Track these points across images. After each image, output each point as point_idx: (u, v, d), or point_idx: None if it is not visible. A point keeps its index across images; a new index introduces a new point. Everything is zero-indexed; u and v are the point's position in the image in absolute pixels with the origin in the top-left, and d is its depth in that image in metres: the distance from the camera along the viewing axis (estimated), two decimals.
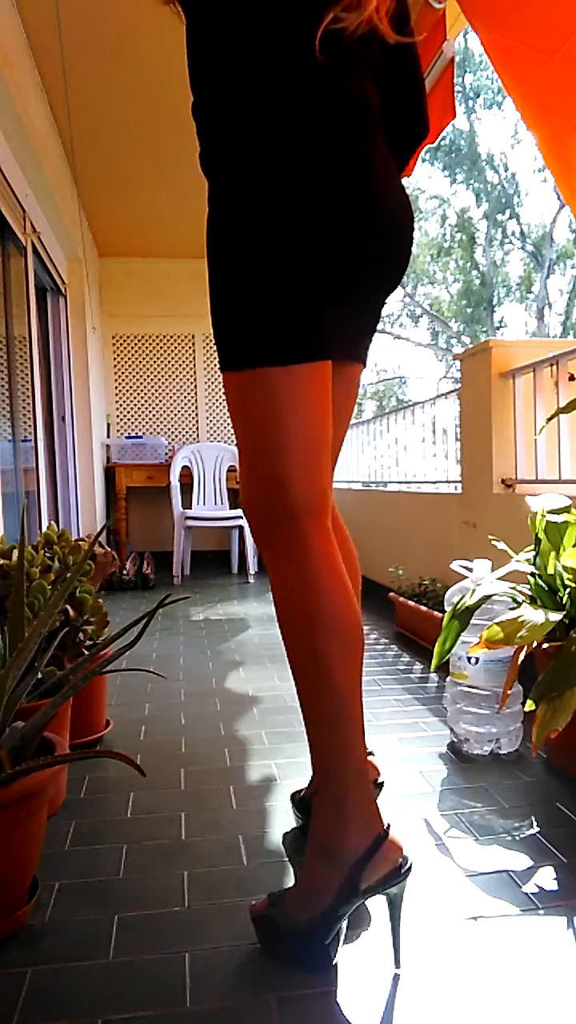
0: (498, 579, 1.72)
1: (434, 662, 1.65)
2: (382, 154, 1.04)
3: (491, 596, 1.62)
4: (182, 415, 5.52)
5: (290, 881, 1.15)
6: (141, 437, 5.11)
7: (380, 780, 1.20)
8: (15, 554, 1.54)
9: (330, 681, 0.96)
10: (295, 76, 0.99)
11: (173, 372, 5.47)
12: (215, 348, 1.05)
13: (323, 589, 0.99)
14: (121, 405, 5.45)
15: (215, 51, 1.06)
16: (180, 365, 5.47)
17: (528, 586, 1.67)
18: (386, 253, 1.07)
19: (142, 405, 5.47)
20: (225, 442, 5.28)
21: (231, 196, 1.00)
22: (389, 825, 0.97)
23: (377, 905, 1.08)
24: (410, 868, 0.96)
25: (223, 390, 1.07)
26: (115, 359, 5.41)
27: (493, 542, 1.93)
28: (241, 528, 4.65)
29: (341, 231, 0.99)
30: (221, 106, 1.05)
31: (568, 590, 1.58)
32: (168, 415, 5.50)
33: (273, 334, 0.98)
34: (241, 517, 4.48)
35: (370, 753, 1.16)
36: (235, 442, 1.12)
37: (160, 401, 5.48)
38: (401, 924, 0.96)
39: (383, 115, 1.10)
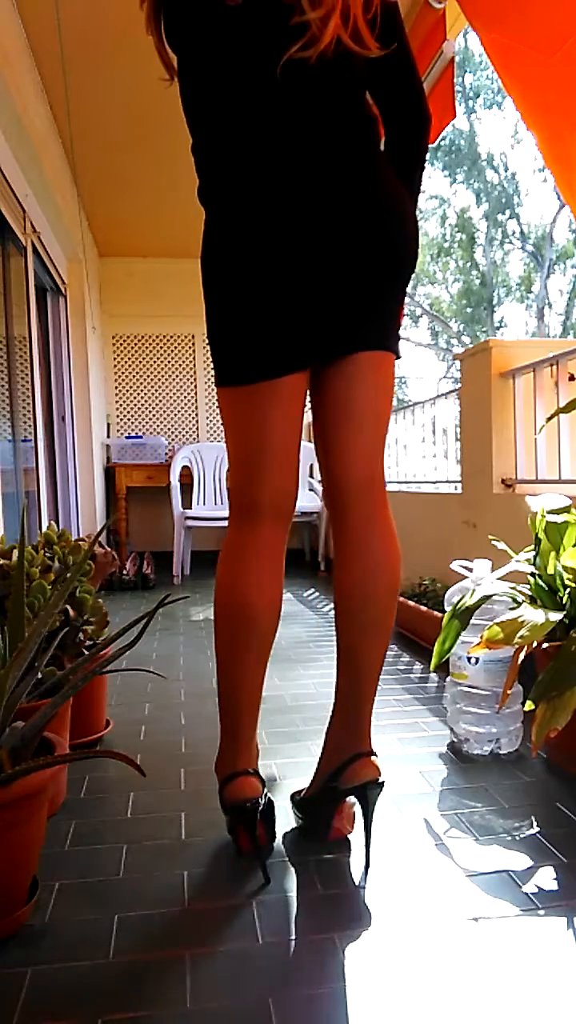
0: (498, 579, 1.72)
1: (434, 662, 1.65)
2: (344, 171, 1.11)
3: (491, 596, 1.62)
4: (182, 415, 5.52)
5: (290, 881, 1.15)
6: (141, 437, 5.11)
7: (381, 780, 1.20)
8: (15, 554, 1.54)
9: (217, 647, 1.26)
10: (244, 126, 1.13)
11: (173, 372, 5.47)
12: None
13: (220, 576, 1.23)
14: (121, 405, 5.45)
15: (188, 101, 1.22)
16: (180, 365, 5.47)
17: (528, 586, 1.67)
18: (335, 263, 1.12)
19: (142, 405, 5.47)
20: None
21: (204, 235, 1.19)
22: (252, 770, 1.25)
23: (376, 906, 1.08)
24: (258, 806, 1.19)
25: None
26: (115, 359, 5.41)
27: (493, 542, 1.93)
28: None
29: (231, 284, 1.14)
30: (194, 151, 1.24)
31: (568, 590, 1.58)
32: (168, 415, 5.50)
33: (216, 362, 1.20)
34: None
35: (372, 754, 1.23)
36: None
37: (160, 401, 5.48)
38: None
39: (385, 112, 1.21)
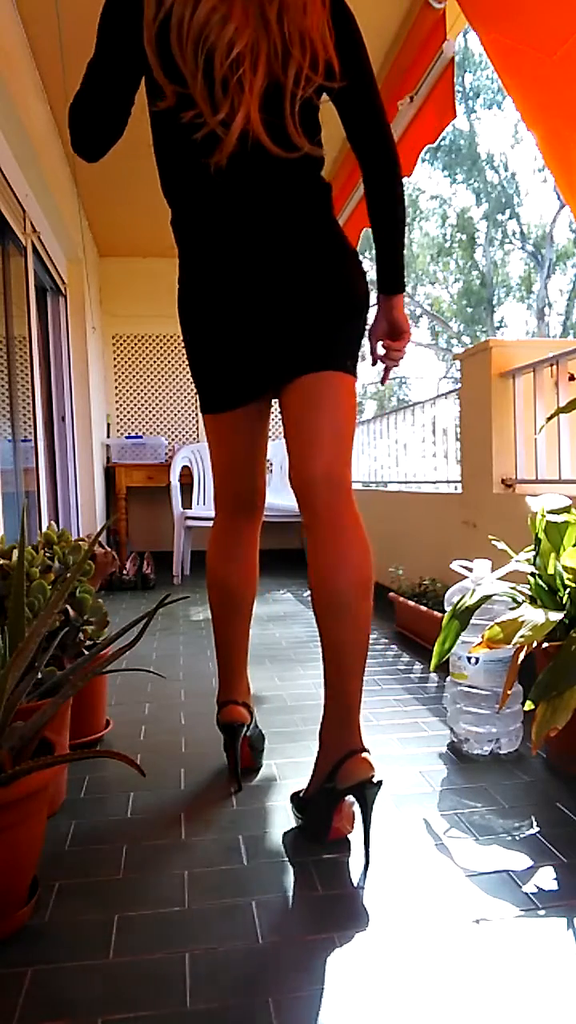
0: (498, 579, 1.72)
1: (434, 662, 1.65)
2: (262, 254, 1.31)
3: (491, 596, 1.62)
4: (182, 415, 5.52)
5: (290, 881, 1.15)
6: (141, 437, 5.11)
7: (377, 779, 1.19)
8: (15, 554, 1.54)
9: (211, 613, 1.60)
10: (180, 213, 1.42)
11: (173, 372, 5.47)
12: None
13: (208, 559, 1.59)
14: (121, 405, 5.45)
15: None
16: (180, 365, 5.47)
17: (528, 586, 1.67)
18: (237, 323, 1.34)
19: (142, 405, 5.47)
20: None
21: None
22: (241, 701, 1.58)
23: (376, 906, 1.08)
24: (243, 727, 1.54)
25: None
26: (115, 359, 5.41)
27: (493, 542, 1.93)
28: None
29: (195, 335, 1.42)
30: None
31: (568, 590, 1.58)
32: (168, 415, 5.50)
33: (198, 393, 1.50)
34: None
35: (364, 750, 1.26)
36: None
37: (160, 401, 5.48)
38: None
39: (360, 162, 1.39)
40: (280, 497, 5.00)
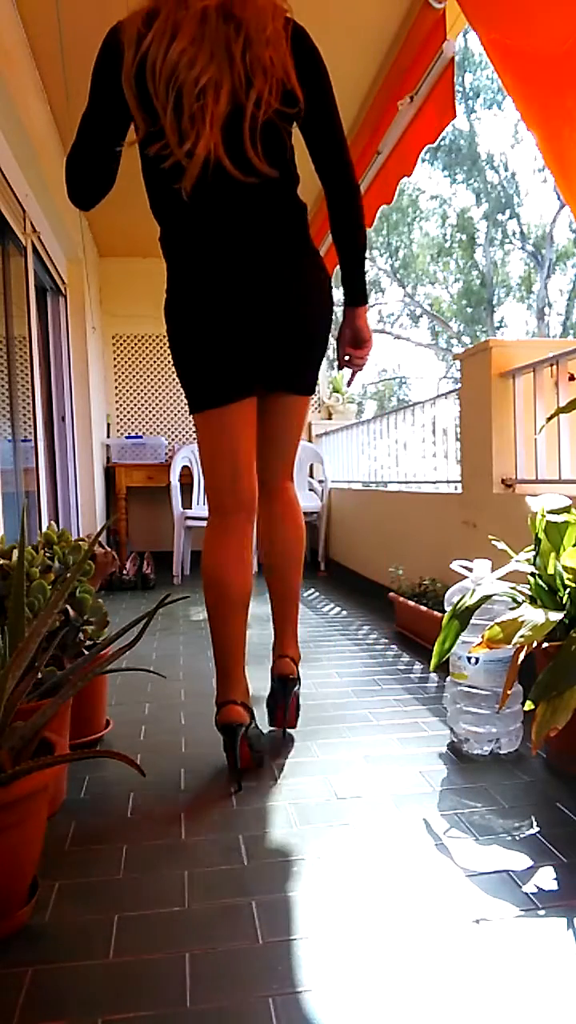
0: (498, 579, 1.72)
1: (434, 662, 1.65)
2: (246, 260, 1.46)
3: (491, 596, 1.62)
4: (182, 415, 5.52)
5: (290, 881, 1.15)
6: (141, 437, 5.11)
7: (293, 676, 1.74)
8: (15, 554, 1.54)
9: (208, 614, 1.63)
10: (166, 233, 1.55)
11: (173, 372, 5.44)
12: None
13: (203, 557, 1.61)
14: (121, 405, 5.45)
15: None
16: None
17: (528, 586, 1.67)
18: (219, 333, 1.49)
19: (142, 405, 5.47)
20: None
21: None
22: (240, 701, 1.59)
23: (376, 906, 1.08)
24: (241, 728, 1.55)
25: None
26: (115, 359, 5.41)
27: (493, 542, 1.93)
28: None
29: (182, 342, 1.54)
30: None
31: (568, 590, 1.58)
32: (168, 415, 5.50)
33: (187, 397, 1.60)
34: None
35: (290, 657, 1.77)
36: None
37: (160, 401, 5.48)
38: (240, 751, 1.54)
39: (323, 186, 1.55)
40: None
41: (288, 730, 1.78)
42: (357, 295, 1.63)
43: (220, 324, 1.48)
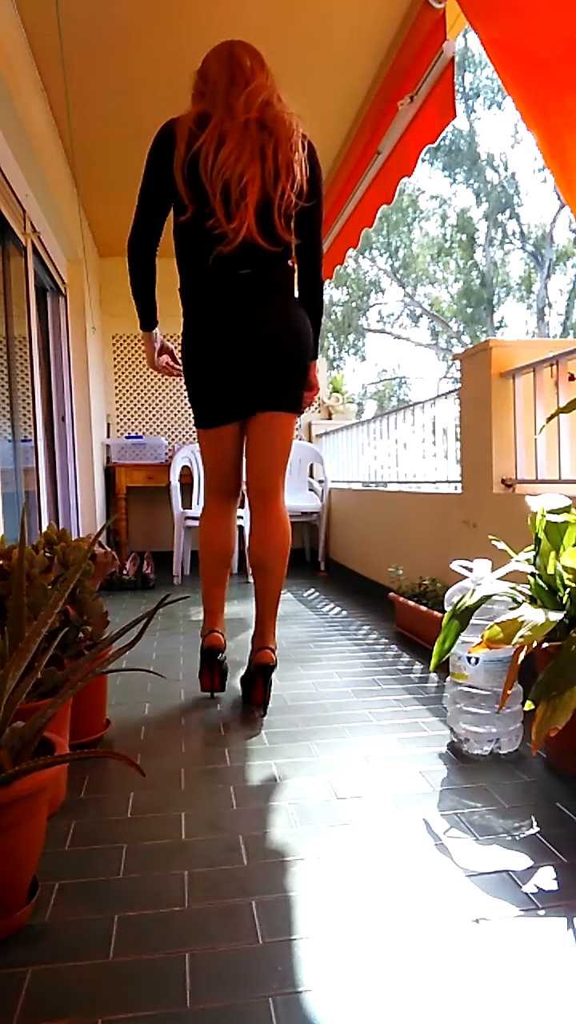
0: (498, 579, 1.72)
1: (434, 662, 1.65)
2: (249, 313, 1.91)
3: (491, 596, 1.62)
4: (182, 415, 5.52)
5: (290, 882, 1.15)
6: (141, 437, 5.11)
7: (272, 665, 2.02)
8: (15, 554, 1.54)
9: (201, 567, 2.17)
10: (187, 287, 2.00)
11: None
12: None
13: (200, 528, 2.18)
14: (121, 405, 5.45)
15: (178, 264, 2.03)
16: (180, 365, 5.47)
17: (528, 586, 1.67)
18: (224, 370, 1.95)
19: (142, 405, 5.47)
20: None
21: None
22: (220, 631, 2.10)
23: (376, 906, 1.08)
24: (218, 654, 2.07)
25: None
26: (115, 359, 5.41)
27: (493, 542, 1.93)
28: (241, 528, 4.65)
29: (194, 375, 2.02)
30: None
31: (568, 590, 1.58)
32: (168, 415, 5.50)
33: (195, 416, 2.09)
34: (241, 517, 4.48)
35: (270, 648, 2.05)
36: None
37: (160, 401, 5.48)
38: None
39: (299, 262, 2.00)
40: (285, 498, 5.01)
41: (260, 707, 2.03)
42: (313, 352, 2.06)
43: (228, 364, 1.94)
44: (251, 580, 2.30)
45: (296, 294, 2.02)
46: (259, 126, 1.82)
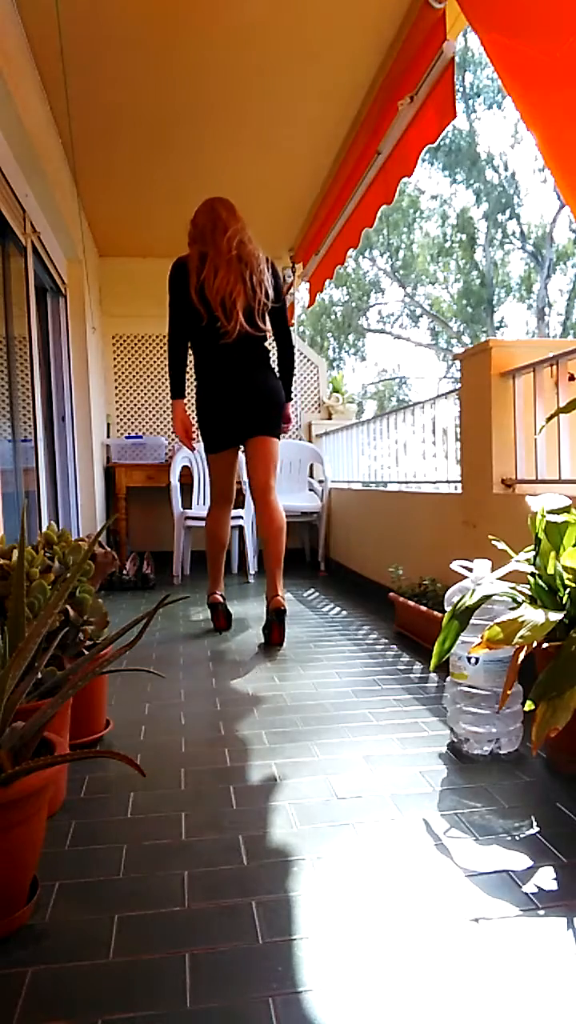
0: (498, 579, 1.72)
1: (433, 662, 1.65)
2: (238, 377, 2.87)
3: (491, 596, 1.62)
4: None
5: (290, 881, 1.15)
6: (141, 437, 5.11)
7: (283, 609, 2.81)
8: (15, 554, 1.54)
9: (207, 551, 3.16)
10: (200, 363, 2.94)
11: None
12: None
13: (207, 524, 3.13)
14: (121, 405, 5.45)
15: (193, 354, 3.01)
16: None
17: (528, 586, 1.67)
18: (225, 412, 2.90)
19: (142, 405, 5.47)
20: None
21: None
22: (220, 593, 3.14)
23: (376, 906, 1.08)
24: (220, 603, 3.11)
25: None
26: (115, 359, 5.41)
27: (493, 542, 1.93)
28: (241, 528, 4.65)
29: (204, 418, 2.96)
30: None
31: (568, 590, 1.58)
32: (168, 415, 5.50)
33: (205, 445, 3.03)
34: (241, 518, 4.48)
35: (279, 595, 2.85)
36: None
37: (160, 401, 5.48)
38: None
39: (278, 340, 3.03)
40: (282, 497, 5.00)
41: (278, 646, 2.79)
42: (287, 396, 3.06)
43: (226, 411, 2.91)
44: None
45: (272, 364, 2.98)
46: (238, 259, 2.77)
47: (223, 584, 3.18)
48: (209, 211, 2.84)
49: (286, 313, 2.99)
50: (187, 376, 2.98)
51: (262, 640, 2.89)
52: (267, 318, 2.89)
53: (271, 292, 2.83)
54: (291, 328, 3.03)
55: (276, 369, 2.99)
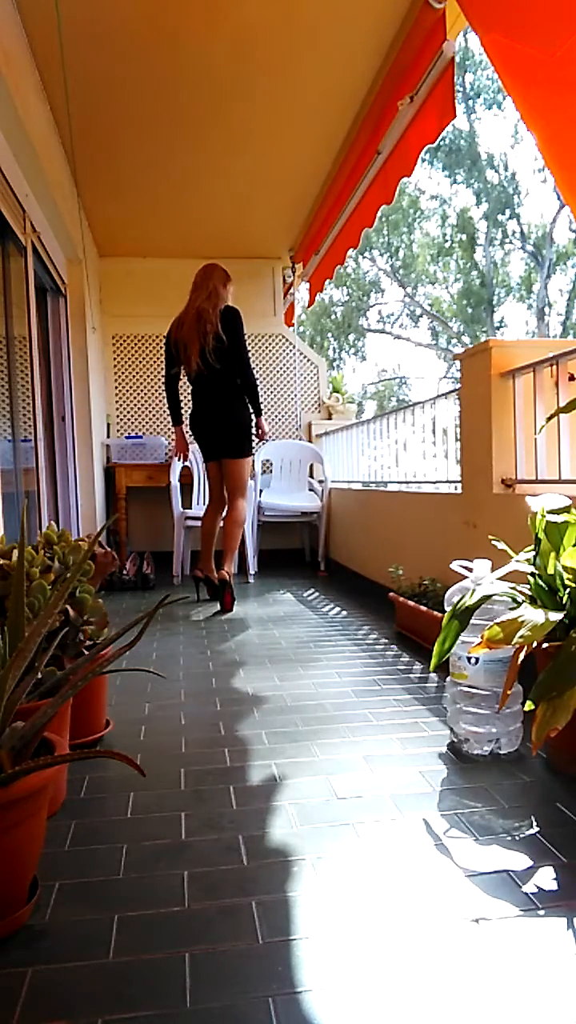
0: (498, 579, 1.72)
1: (433, 662, 1.65)
2: (209, 406, 3.75)
3: (491, 596, 1.62)
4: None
5: (290, 881, 1.15)
6: (141, 437, 5.11)
7: (226, 580, 3.57)
8: (15, 554, 1.54)
9: (200, 540, 3.99)
10: (191, 392, 3.84)
11: None
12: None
13: (202, 520, 4.03)
14: (121, 405, 5.45)
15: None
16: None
17: (528, 586, 1.67)
18: (203, 434, 3.80)
19: (142, 405, 5.47)
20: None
21: None
22: (203, 569, 3.83)
23: (376, 906, 1.08)
24: (203, 577, 3.83)
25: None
26: (115, 359, 5.41)
27: (493, 542, 1.93)
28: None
29: (193, 435, 3.87)
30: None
31: (568, 590, 1.58)
32: (168, 415, 5.48)
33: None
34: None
35: (225, 571, 3.60)
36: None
37: (160, 401, 5.47)
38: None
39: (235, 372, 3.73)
40: (282, 497, 5.01)
41: (228, 611, 3.54)
42: (256, 413, 3.76)
43: (202, 435, 3.78)
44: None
45: (238, 391, 3.67)
46: (197, 317, 3.59)
47: (210, 564, 3.82)
48: (201, 273, 3.73)
49: (237, 349, 3.59)
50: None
51: (261, 640, 2.90)
52: (225, 357, 3.57)
53: (221, 336, 3.55)
54: (247, 362, 3.64)
55: (249, 400, 3.71)
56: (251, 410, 3.72)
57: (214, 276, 3.65)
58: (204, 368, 3.58)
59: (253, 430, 3.75)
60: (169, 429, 5.51)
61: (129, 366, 5.43)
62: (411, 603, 2.79)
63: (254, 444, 3.86)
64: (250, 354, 3.74)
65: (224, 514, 3.80)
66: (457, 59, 2.57)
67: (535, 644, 1.53)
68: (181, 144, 3.66)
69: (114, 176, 4.01)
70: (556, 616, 1.43)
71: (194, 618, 3.41)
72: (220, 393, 3.64)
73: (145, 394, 5.47)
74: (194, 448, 5.00)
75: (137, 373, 5.44)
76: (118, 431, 5.44)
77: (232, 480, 3.73)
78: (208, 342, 3.53)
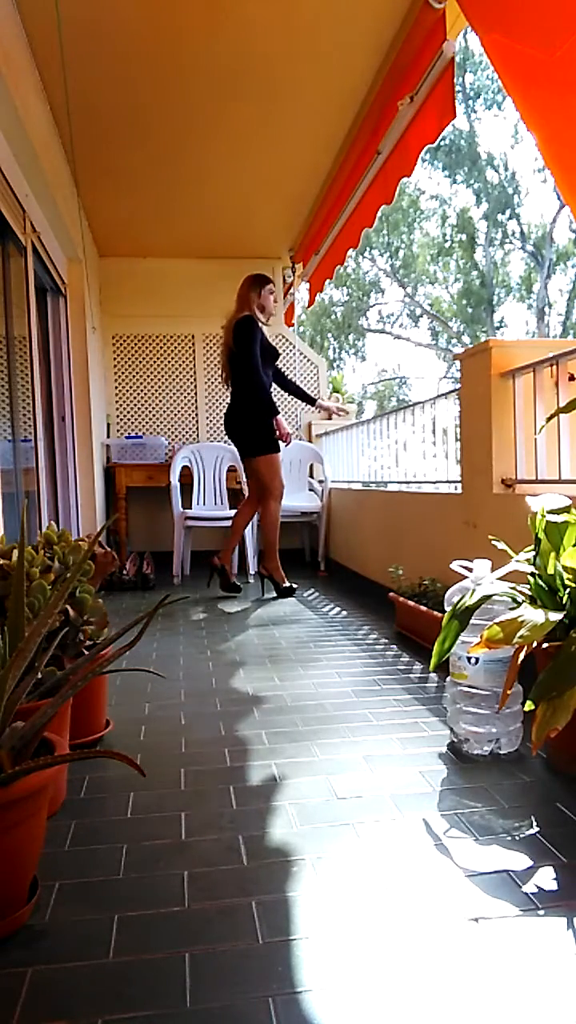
0: (498, 579, 1.72)
1: (433, 662, 1.65)
2: (228, 409, 4.09)
3: (491, 596, 1.62)
4: (182, 415, 5.52)
5: (290, 881, 1.15)
6: (141, 437, 5.11)
7: (219, 566, 4.01)
8: (15, 554, 1.54)
9: (232, 531, 4.20)
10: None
11: (173, 372, 5.47)
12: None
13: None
14: (121, 405, 5.45)
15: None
16: (180, 365, 5.47)
17: (528, 586, 1.67)
18: (229, 435, 4.08)
19: (142, 405, 5.47)
20: (224, 443, 5.27)
21: None
22: (216, 558, 4.08)
23: (376, 906, 1.08)
24: (219, 568, 4.07)
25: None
26: (115, 359, 5.41)
27: (493, 542, 1.93)
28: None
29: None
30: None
31: (568, 590, 1.58)
32: (168, 415, 5.50)
33: None
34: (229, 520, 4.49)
35: (220, 557, 4.07)
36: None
37: (160, 401, 5.48)
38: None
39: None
40: (285, 497, 4.99)
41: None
42: (310, 400, 4.36)
43: (229, 435, 4.03)
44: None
45: (247, 394, 3.88)
46: (225, 328, 3.98)
47: (231, 556, 4.13)
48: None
49: (241, 357, 3.82)
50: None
51: (261, 640, 2.90)
52: (235, 364, 3.89)
53: (232, 347, 3.88)
54: (250, 368, 3.81)
55: (252, 402, 3.91)
56: (260, 411, 3.83)
57: (241, 287, 3.90)
58: (227, 374, 3.98)
59: (264, 430, 3.86)
60: (170, 429, 5.53)
61: (129, 366, 5.43)
62: (411, 603, 2.79)
63: (279, 444, 3.93)
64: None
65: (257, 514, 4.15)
66: (457, 59, 2.57)
67: (535, 644, 1.53)
68: (181, 144, 3.66)
69: (114, 176, 4.01)
70: (556, 616, 1.43)
71: (194, 618, 3.40)
72: (234, 396, 3.96)
73: (145, 394, 5.47)
74: (195, 448, 5.04)
75: (137, 373, 5.44)
76: (118, 431, 5.44)
77: (254, 480, 3.99)
78: (226, 352, 3.93)
